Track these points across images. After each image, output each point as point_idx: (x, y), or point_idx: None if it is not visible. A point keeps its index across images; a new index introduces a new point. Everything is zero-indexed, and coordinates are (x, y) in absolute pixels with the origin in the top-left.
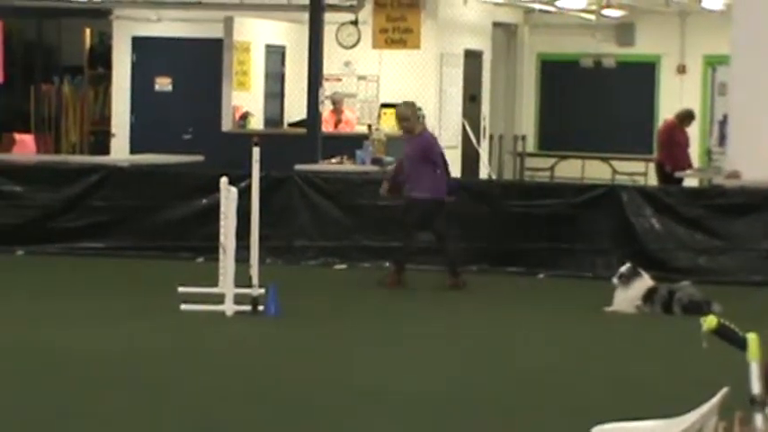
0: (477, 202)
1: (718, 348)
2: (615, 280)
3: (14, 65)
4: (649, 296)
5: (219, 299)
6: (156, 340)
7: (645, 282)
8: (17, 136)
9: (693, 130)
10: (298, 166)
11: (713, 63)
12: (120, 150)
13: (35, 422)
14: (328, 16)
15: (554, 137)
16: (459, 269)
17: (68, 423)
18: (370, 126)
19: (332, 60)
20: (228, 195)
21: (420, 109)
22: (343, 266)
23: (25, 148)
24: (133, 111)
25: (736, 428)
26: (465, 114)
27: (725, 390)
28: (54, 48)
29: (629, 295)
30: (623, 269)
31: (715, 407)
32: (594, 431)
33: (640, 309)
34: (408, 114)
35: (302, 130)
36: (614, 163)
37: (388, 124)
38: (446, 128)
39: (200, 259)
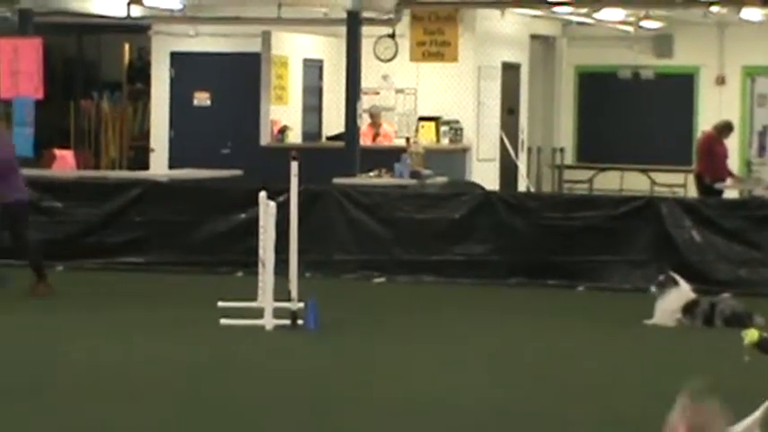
0: (515, 214)
1: (762, 361)
2: (653, 288)
3: (54, 81)
4: (690, 309)
5: (259, 313)
6: (196, 354)
7: (683, 291)
8: (57, 152)
9: (733, 142)
10: (336, 180)
11: (752, 74)
12: (159, 165)
13: None
14: (365, 30)
15: (592, 149)
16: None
17: None
18: (408, 139)
19: (369, 74)
20: (267, 210)
21: (457, 122)
22: (382, 280)
23: (65, 163)
24: (172, 126)
25: None
26: (503, 127)
27: None
28: (93, 63)
29: (668, 306)
30: (660, 277)
31: (758, 420)
32: None
33: (681, 322)
34: None
35: (340, 144)
36: (653, 175)
37: (427, 137)
38: (484, 141)
39: (240, 273)
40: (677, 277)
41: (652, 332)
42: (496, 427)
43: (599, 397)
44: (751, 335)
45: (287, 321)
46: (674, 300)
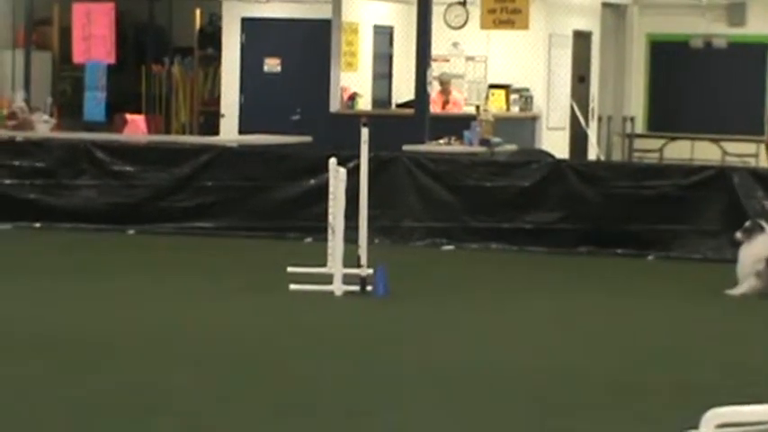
0: (585, 183)
1: None
2: (738, 234)
3: (126, 46)
4: None
5: (328, 279)
6: (265, 319)
7: None
8: (128, 116)
9: None
10: (405, 147)
11: None
12: (229, 131)
13: (147, 400)
14: None
15: (663, 118)
16: None
17: (179, 399)
18: (478, 107)
19: (440, 41)
20: (337, 176)
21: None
22: (451, 247)
23: (136, 128)
24: (242, 91)
25: None
26: (573, 95)
27: None
28: (165, 29)
29: (753, 253)
30: (747, 224)
31: None
32: (709, 414)
33: (761, 275)
34: None
35: (410, 111)
36: (724, 144)
37: (497, 105)
38: (554, 109)
39: (309, 239)
40: (764, 224)
41: (724, 302)
42: (567, 392)
43: (671, 365)
44: None
45: (356, 287)
46: (761, 246)
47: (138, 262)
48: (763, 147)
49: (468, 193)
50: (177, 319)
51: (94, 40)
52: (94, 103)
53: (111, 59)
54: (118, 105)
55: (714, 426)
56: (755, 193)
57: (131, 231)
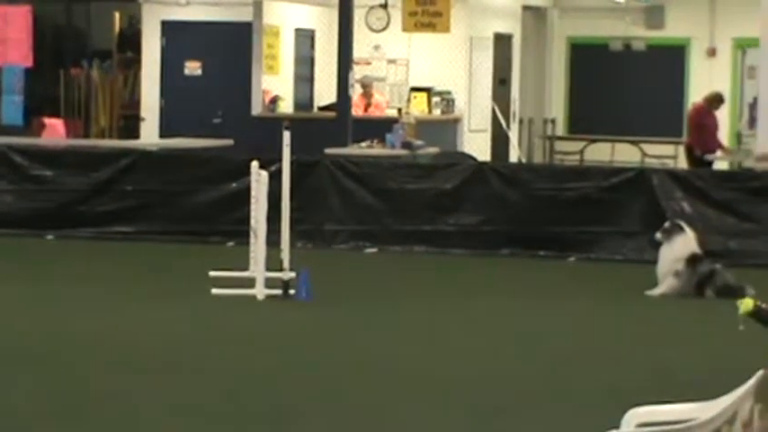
0: (507, 185)
1: (754, 332)
2: (658, 235)
3: (44, 49)
4: (693, 262)
5: (250, 283)
6: (187, 324)
7: (689, 239)
8: (47, 120)
9: (723, 114)
10: (328, 150)
11: (743, 46)
12: (149, 134)
13: (67, 406)
14: (357, 0)
15: (584, 120)
16: None
17: (101, 407)
18: (399, 110)
19: (361, 44)
20: (259, 179)
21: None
22: (374, 250)
23: (55, 132)
24: (163, 95)
25: None
26: (494, 98)
27: (761, 373)
28: (83, 32)
29: (674, 253)
30: (666, 224)
31: (750, 390)
32: (629, 414)
33: (679, 275)
34: None
35: (332, 114)
36: (644, 146)
37: (419, 108)
38: (476, 112)
39: (231, 243)
40: (683, 224)
41: (643, 303)
42: (486, 397)
43: (591, 367)
44: (746, 304)
45: (279, 291)
46: (680, 247)
47: (57, 267)
48: (681, 148)
49: (391, 196)
50: (98, 325)
51: (11, 43)
52: (12, 106)
53: (29, 63)
54: (36, 109)
55: (635, 425)
56: (674, 195)
57: (50, 236)
